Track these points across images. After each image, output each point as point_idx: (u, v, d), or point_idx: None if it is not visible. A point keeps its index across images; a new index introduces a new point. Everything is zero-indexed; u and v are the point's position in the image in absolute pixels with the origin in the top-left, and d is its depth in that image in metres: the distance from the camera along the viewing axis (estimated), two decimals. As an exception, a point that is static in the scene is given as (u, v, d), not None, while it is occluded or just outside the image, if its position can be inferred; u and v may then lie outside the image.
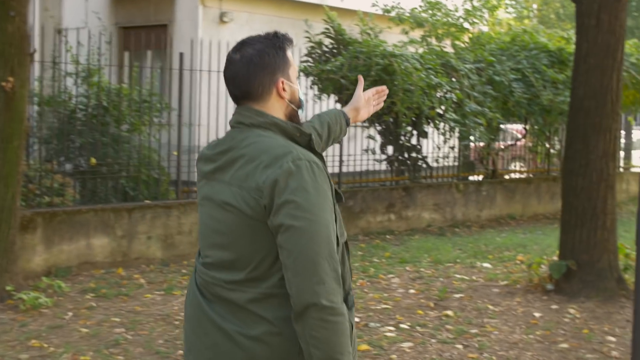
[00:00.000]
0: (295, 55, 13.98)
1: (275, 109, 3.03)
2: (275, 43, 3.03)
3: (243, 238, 2.92)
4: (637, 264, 5.57)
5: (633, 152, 22.31)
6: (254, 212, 2.87)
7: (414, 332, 8.10)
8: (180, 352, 7.38)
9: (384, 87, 4.02)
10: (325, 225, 2.82)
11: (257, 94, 3.00)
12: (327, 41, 14.85)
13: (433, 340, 7.82)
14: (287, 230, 2.81)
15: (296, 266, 2.80)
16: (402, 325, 8.27)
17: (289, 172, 2.82)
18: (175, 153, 12.58)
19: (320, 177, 2.87)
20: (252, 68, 2.98)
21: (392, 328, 8.19)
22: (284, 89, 3.03)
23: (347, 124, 3.87)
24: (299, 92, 3.11)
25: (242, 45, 3.04)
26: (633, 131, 22.72)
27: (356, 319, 8.38)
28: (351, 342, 2.93)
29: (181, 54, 12.71)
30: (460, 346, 7.68)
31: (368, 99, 3.93)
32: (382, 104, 4.01)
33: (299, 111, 3.12)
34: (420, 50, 15.62)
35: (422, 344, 7.70)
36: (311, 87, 14.28)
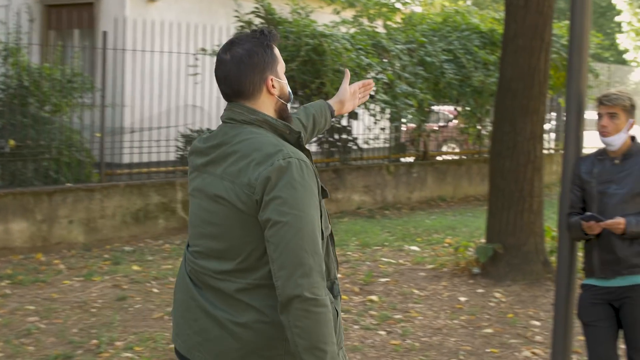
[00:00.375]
0: (222, 35, 13.72)
1: (266, 105, 3.14)
2: (263, 41, 3.13)
3: (234, 230, 3.03)
4: (559, 248, 5.45)
5: (562, 134, 22.34)
6: (245, 206, 2.98)
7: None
8: (95, 341, 7.14)
9: (370, 81, 4.11)
10: (311, 221, 2.93)
11: (248, 92, 3.11)
12: (257, 21, 14.56)
13: (356, 327, 7.67)
14: (274, 225, 2.92)
15: (282, 259, 2.91)
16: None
17: (280, 169, 2.93)
18: (98, 135, 12.25)
19: (308, 175, 2.98)
20: (242, 68, 3.08)
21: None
22: (273, 86, 3.13)
23: (332, 116, 3.98)
24: (287, 86, 3.21)
25: (231, 45, 3.14)
26: (563, 113, 22.82)
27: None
28: (336, 331, 3.09)
29: (104, 33, 12.37)
30: (383, 332, 7.53)
31: (354, 92, 4.02)
32: (367, 97, 4.09)
33: (288, 105, 3.23)
34: (352, 31, 15.40)
35: (345, 330, 7.53)
36: (239, 67, 13.98)
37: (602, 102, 5.14)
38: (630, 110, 5.13)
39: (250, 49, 3.09)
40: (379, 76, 14.45)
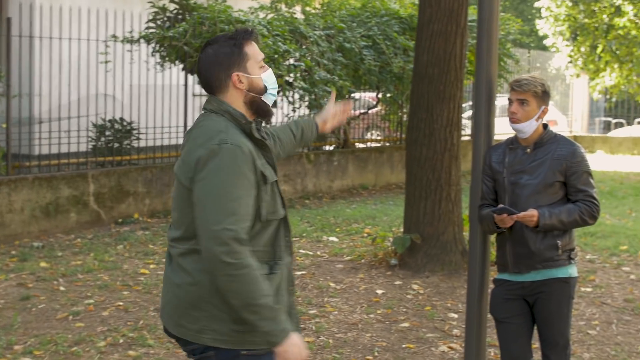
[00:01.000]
0: (136, 21, 13.30)
1: (234, 98, 3.55)
2: (232, 41, 3.53)
3: (182, 203, 3.49)
4: (471, 240, 5.23)
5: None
6: (188, 182, 3.44)
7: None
8: (-9, 346, 6.76)
9: (350, 104, 4.48)
10: (232, 199, 3.32)
11: (216, 87, 3.54)
12: (171, 7, 14.18)
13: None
14: (198, 202, 3.37)
15: (203, 233, 3.34)
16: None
17: (212, 152, 3.36)
18: (4, 125, 11.76)
19: (241, 160, 3.35)
20: (209, 66, 3.54)
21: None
22: (240, 81, 3.53)
23: (317, 132, 4.34)
24: (263, 80, 3.58)
25: (206, 45, 3.58)
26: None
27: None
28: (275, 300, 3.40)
29: (8, 19, 11.86)
30: (296, 329, 7.25)
31: (335, 114, 4.37)
32: (344, 120, 4.47)
33: (265, 96, 3.60)
34: (270, 17, 15.08)
35: (257, 328, 7.25)
36: (152, 55, 13.61)
37: (513, 87, 4.92)
38: (542, 97, 4.89)
39: (217, 48, 3.54)
40: (297, 63, 14.19)
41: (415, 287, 8.68)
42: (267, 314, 3.32)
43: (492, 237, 5.18)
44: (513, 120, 4.90)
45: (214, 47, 3.55)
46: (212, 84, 3.56)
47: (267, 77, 3.62)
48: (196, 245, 3.41)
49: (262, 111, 3.64)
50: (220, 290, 3.35)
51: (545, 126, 4.97)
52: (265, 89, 3.60)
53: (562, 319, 4.92)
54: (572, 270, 4.95)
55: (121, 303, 7.97)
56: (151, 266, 9.47)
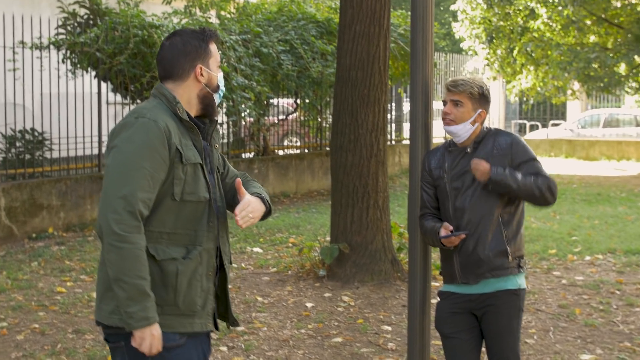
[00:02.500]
0: (45, 27, 12.77)
1: (190, 88, 3.66)
2: (200, 36, 3.67)
3: None
4: (410, 251, 4.93)
5: (404, 124, 22.35)
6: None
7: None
8: None
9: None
10: (135, 168, 3.38)
11: (176, 74, 3.63)
12: (82, 11, 13.70)
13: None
14: (105, 169, 3.45)
15: (102, 197, 3.41)
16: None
17: (127, 124, 3.47)
18: None
19: (153, 134, 3.43)
20: (175, 53, 3.63)
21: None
22: (201, 74, 3.65)
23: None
24: (217, 79, 3.72)
25: (173, 34, 3.69)
26: (404, 103, 22.75)
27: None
28: (177, 290, 3.50)
29: None
30: (224, 348, 6.87)
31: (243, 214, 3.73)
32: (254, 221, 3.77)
33: (216, 95, 3.72)
34: (184, 22, 14.68)
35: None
36: (63, 61, 13.10)
37: (448, 87, 4.62)
38: (479, 99, 4.57)
39: (186, 39, 3.65)
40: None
41: (345, 298, 8.38)
42: (135, 295, 3.34)
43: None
44: (446, 121, 4.60)
45: (183, 38, 3.66)
46: (174, 71, 3.63)
47: (221, 78, 3.76)
48: None
49: (210, 108, 3.72)
50: (101, 255, 3.45)
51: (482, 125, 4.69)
52: (218, 87, 3.73)
53: (513, 333, 4.64)
54: (522, 281, 4.67)
55: (37, 325, 7.48)
56: (68, 284, 8.99)
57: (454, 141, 4.69)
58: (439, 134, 17.89)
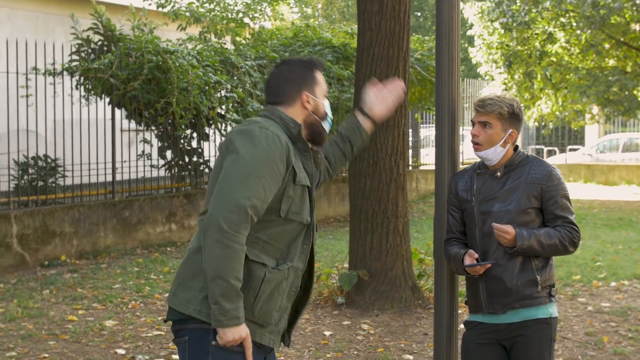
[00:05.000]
0: (58, 53, 12.64)
1: (296, 115, 3.75)
2: (307, 64, 3.80)
3: (214, 185, 3.61)
4: (436, 279, 4.70)
5: (421, 150, 22.17)
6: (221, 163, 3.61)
7: (187, 364, 7.01)
8: None
9: (399, 81, 4.29)
10: (257, 176, 3.47)
11: (282, 101, 3.74)
12: (96, 38, 13.59)
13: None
14: (224, 170, 3.53)
15: (217, 195, 3.47)
16: (174, 357, 7.16)
17: (250, 131, 3.56)
18: None
19: (275, 146, 3.52)
20: (282, 80, 3.76)
21: (162, 361, 7.08)
22: (308, 102, 3.75)
23: (365, 130, 4.24)
24: (324, 106, 3.81)
25: (281, 63, 3.86)
26: (420, 129, 22.58)
27: (122, 351, 7.26)
28: (259, 298, 3.57)
29: None
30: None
31: (380, 96, 4.23)
32: (398, 100, 4.27)
33: (324, 122, 3.81)
34: (199, 47, 14.55)
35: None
36: (77, 88, 12.96)
37: (476, 108, 4.38)
38: (509, 119, 4.33)
39: (292, 67, 3.79)
40: (229, 94, 13.68)
41: (365, 326, 8.14)
42: (231, 294, 3.42)
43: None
44: (475, 145, 4.37)
45: (289, 66, 3.80)
46: (281, 98, 3.76)
47: (328, 106, 3.85)
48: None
49: (318, 136, 3.82)
50: (203, 250, 3.47)
51: (516, 148, 4.46)
52: (325, 115, 3.82)
53: (545, 364, 4.40)
54: (553, 310, 4.42)
55: (46, 355, 7.27)
56: (79, 312, 8.78)
57: (482, 163, 4.46)
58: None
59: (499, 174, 4.38)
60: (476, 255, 4.30)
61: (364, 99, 4.25)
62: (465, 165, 4.65)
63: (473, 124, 4.41)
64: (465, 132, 19.77)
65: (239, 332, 3.47)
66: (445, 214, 4.56)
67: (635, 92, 22.01)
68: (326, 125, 3.84)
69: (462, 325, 4.65)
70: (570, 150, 30.46)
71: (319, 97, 3.80)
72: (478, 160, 4.51)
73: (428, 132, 24.17)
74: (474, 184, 4.43)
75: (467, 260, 4.29)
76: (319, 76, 3.82)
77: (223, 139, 13.85)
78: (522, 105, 21.96)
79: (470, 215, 4.41)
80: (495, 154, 4.35)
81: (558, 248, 4.31)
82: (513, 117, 4.36)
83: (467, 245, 4.44)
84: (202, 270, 3.53)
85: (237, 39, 16.43)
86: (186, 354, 3.63)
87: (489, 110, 4.32)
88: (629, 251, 12.56)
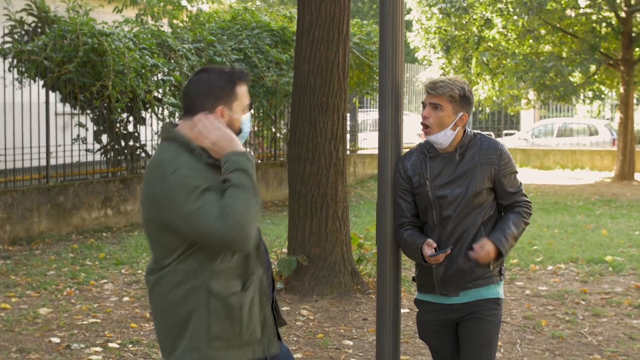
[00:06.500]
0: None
1: None
2: (228, 77, 3.61)
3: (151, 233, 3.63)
4: (380, 263, 4.63)
5: (359, 134, 22.17)
6: (150, 214, 3.55)
7: (124, 351, 6.87)
8: None
9: None
10: (189, 210, 3.36)
11: (196, 112, 3.57)
12: (30, 19, 13.29)
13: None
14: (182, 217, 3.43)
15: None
16: (111, 344, 7.02)
17: (162, 179, 3.43)
18: None
19: (183, 178, 3.40)
20: (200, 91, 3.60)
21: (98, 349, 6.92)
22: (222, 115, 3.58)
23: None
24: (240, 122, 3.65)
25: (202, 70, 3.68)
26: (358, 113, 22.57)
27: (56, 340, 7.11)
28: (241, 323, 3.52)
29: None
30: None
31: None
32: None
33: (241, 137, 3.64)
34: (136, 30, 14.33)
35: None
36: (10, 70, 12.67)
37: (427, 90, 4.33)
38: (460, 101, 4.28)
39: (212, 78, 3.60)
40: (167, 78, 13.51)
41: (304, 312, 8.08)
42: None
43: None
44: (425, 129, 4.31)
45: (209, 76, 3.62)
46: (194, 109, 3.59)
47: (245, 121, 3.70)
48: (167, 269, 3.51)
49: None
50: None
51: (464, 130, 4.42)
52: (239, 131, 3.66)
53: (492, 344, 4.40)
54: (500, 290, 4.44)
55: (-22, 344, 7.09)
56: (13, 300, 8.57)
57: (431, 145, 4.40)
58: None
59: (457, 157, 4.33)
60: (434, 245, 4.26)
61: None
62: (407, 149, 4.59)
63: (424, 106, 4.36)
64: (404, 116, 19.80)
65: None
66: (387, 198, 4.49)
67: (570, 77, 22.24)
68: (242, 139, 3.70)
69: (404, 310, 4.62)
70: (506, 134, 30.71)
71: (236, 113, 3.64)
72: (422, 141, 4.48)
73: (365, 117, 24.18)
74: (426, 168, 4.37)
75: (428, 251, 4.24)
76: (241, 90, 3.65)
77: (160, 126, 13.69)
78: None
79: (425, 200, 4.36)
80: (446, 137, 4.30)
81: (524, 229, 4.47)
82: (464, 100, 4.32)
83: (421, 230, 4.41)
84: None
85: (175, 21, 16.24)
86: None
87: (440, 92, 4.27)
88: (564, 235, 12.68)
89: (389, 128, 4.51)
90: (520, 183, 4.49)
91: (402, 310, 4.71)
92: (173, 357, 3.55)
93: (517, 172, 4.47)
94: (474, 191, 4.28)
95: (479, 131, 4.54)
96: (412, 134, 19.43)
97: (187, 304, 3.48)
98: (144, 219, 3.61)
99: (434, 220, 4.34)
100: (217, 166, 3.54)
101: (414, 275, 4.60)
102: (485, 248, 4.22)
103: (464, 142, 4.35)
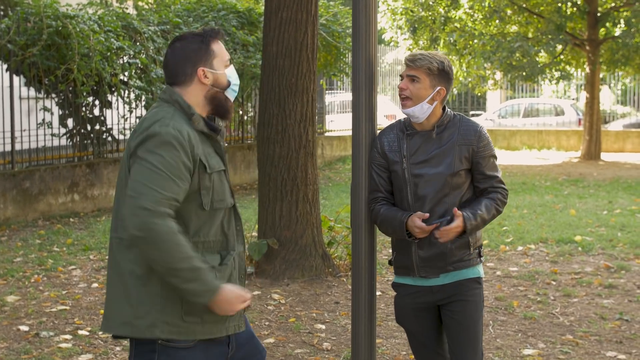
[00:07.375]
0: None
1: (196, 92, 3.64)
2: (200, 38, 3.66)
3: (122, 192, 3.52)
4: (355, 244, 4.57)
5: (326, 116, 22.13)
6: (128, 165, 3.51)
7: (94, 339, 6.77)
8: None
9: None
10: (162, 178, 3.35)
11: (180, 80, 3.63)
12: (-9, 2, 13.10)
13: (118, 348, 6.57)
14: (130, 179, 3.42)
15: (127, 206, 3.36)
16: (80, 332, 6.92)
17: (153, 133, 3.43)
18: None
19: (178, 144, 3.41)
20: (177, 59, 3.64)
21: (68, 336, 6.81)
22: (205, 76, 3.63)
23: None
24: (227, 76, 3.69)
25: (176, 39, 3.72)
26: (325, 95, 22.52)
27: (25, 328, 7.01)
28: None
29: None
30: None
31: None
32: None
33: (228, 92, 3.71)
34: (100, 12, 14.15)
35: (105, 354, 6.42)
36: (-28, 54, 12.49)
37: (406, 62, 4.27)
38: (438, 75, 4.22)
39: (185, 44, 3.65)
40: (132, 60, 13.37)
41: (275, 296, 8.02)
42: (189, 276, 3.37)
43: (384, 238, 4.54)
44: (403, 101, 4.26)
45: (182, 43, 3.67)
46: (178, 77, 3.64)
47: (231, 73, 3.73)
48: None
49: (221, 107, 3.71)
50: (146, 261, 3.42)
51: (444, 108, 4.36)
52: (228, 84, 3.71)
53: (478, 323, 4.36)
54: (481, 270, 4.41)
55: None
56: (-21, 287, 8.46)
57: (409, 123, 4.35)
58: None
59: (434, 135, 4.28)
60: (426, 215, 4.21)
61: None
62: (384, 126, 4.53)
63: (402, 78, 4.31)
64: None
65: (223, 297, 3.44)
66: (362, 180, 4.43)
67: (536, 57, 22.29)
68: (230, 95, 3.74)
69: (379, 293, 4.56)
70: (473, 115, 30.79)
71: (218, 69, 3.67)
72: (402, 117, 4.43)
73: (332, 98, 24.13)
74: (403, 145, 4.31)
75: (418, 222, 4.18)
76: (217, 46, 3.69)
77: (126, 109, 13.55)
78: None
79: (401, 178, 4.31)
80: (422, 111, 4.24)
81: (495, 216, 4.36)
82: (442, 74, 4.26)
83: (394, 205, 4.36)
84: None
85: (140, 3, 16.03)
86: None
87: (418, 65, 4.22)
88: (533, 215, 12.71)
89: (363, 109, 4.44)
90: (499, 170, 4.42)
91: (379, 293, 4.63)
92: (138, 328, 3.47)
93: (496, 157, 4.40)
94: (452, 171, 4.23)
95: (460, 113, 4.49)
96: (379, 115, 19.39)
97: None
98: (122, 172, 3.57)
99: (408, 199, 4.28)
100: (210, 136, 3.61)
101: (390, 258, 4.55)
102: (455, 223, 4.16)
103: (442, 121, 4.30)
